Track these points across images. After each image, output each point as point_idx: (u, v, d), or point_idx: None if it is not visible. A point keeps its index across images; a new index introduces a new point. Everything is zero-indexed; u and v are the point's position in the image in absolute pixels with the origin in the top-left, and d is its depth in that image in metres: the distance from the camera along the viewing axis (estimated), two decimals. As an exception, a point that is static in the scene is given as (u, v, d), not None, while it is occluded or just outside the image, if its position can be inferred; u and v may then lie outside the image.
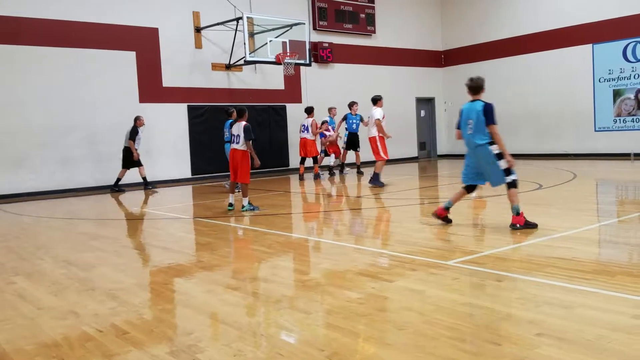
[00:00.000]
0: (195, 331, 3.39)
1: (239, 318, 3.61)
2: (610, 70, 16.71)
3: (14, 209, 10.84)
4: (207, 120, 15.79)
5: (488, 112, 6.14)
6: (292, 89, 17.62)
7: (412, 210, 8.63)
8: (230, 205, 8.88)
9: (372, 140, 11.72)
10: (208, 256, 5.60)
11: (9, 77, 12.82)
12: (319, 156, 14.56)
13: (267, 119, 16.87)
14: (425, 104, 21.56)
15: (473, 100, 6.31)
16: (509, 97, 18.35)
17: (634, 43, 16.14)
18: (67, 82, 13.54)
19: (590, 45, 17.10)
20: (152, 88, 14.86)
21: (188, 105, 15.50)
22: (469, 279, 4.22)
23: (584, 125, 17.35)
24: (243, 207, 8.78)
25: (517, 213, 6.19)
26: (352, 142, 14.58)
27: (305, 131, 14.14)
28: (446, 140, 21.79)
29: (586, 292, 3.74)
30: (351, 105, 14.40)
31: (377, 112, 11.59)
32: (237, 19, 14.73)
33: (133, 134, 13.24)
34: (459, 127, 6.54)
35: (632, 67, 16.21)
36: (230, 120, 11.20)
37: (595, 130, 17.08)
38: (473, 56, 20.38)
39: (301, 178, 14.06)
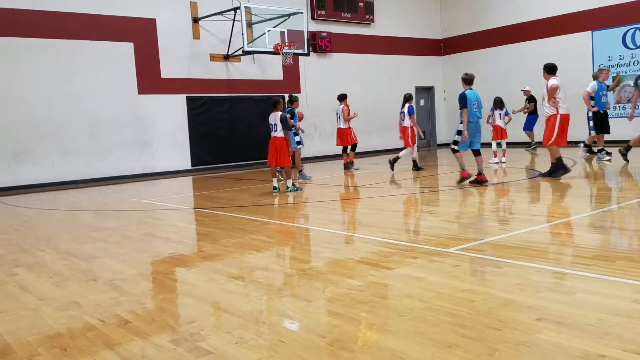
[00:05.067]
0: (197, 320, 3.40)
1: (240, 306, 3.62)
2: (609, 57, 16.66)
3: (15, 202, 10.85)
4: (207, 111, 15.77)
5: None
6: (291, 79, 17.57)
7: (412, 199, 8.64)
8: (275, 188, 9.62)
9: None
10: (209, 246, 5.61)
11: (7, 70, 12.78)
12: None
13: (265, 109, 16.78)
14: (425, 93, 21.51)
15: (471, 89, 9.02)
16: (508, 84, 18.28)
17: (633, 29, 16.08)
18: (65, 73, 13.51)
19: (590, 32, 17.03)
20: (150, 79, 14.82)
21: (187, 97, 15.47)
22: (469, 266, 4.23)
23: (584, 112, 17.26)
24: (288, 188, 9.60)
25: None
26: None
27: (339, 119, 13.53)
28: (446, 129, 21.75)
29: (586, 278, 3.75)
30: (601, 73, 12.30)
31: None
32: (235, 9, 14.66)
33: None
34: (465, 107, 8.88)
35: (632, 54, 16.16)
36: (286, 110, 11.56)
37: (595, 118, 17.02)
38: (472, 44, 20.31)
39: (346, 167, 13.62)
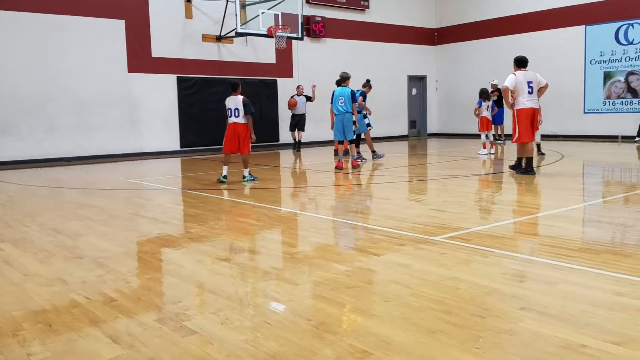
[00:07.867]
0: (184, 300, 3.40)
1: (227, 288, 3.63)
2: (601, 52, 16.74)
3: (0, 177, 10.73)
4: (197, 92, 15.66)
5: (353, 94, 10.37)
6: (284, 63, 17.47)
7: (401, 187, 8.66)
8: (224, 177, 8.96)
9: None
10: (197, 227, 5.60)
11: (-5, 43, 12.57)
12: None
13: (257, 93, 16.72)
14: (417, 82, 21.50)
15: (344, 86, 10.38)
16: (500, 76, 18.28)
17: (626, 25, 16.15)
18: (54, 49, 13.32)
19: (583, 26, 17.08)
20: (141, 58, 14.66)
21: (177, 77, 15.33)
22: (455, 254, 4.26)
23: (573, 106, 17.41)
24: (244, 177, 9.01)
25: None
26: None
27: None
28: (437, 119, 21.79)
29: (570, 269, 3.80)
30: None
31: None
32: (229, -10, 14.50)
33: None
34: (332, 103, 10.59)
35: (624, 50, 16.24)
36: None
37: (584, 112, 17.17)
38: (466, 35, 20.30)
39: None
